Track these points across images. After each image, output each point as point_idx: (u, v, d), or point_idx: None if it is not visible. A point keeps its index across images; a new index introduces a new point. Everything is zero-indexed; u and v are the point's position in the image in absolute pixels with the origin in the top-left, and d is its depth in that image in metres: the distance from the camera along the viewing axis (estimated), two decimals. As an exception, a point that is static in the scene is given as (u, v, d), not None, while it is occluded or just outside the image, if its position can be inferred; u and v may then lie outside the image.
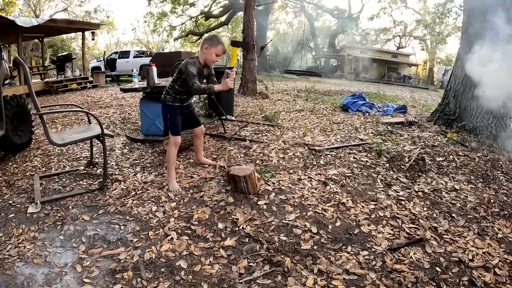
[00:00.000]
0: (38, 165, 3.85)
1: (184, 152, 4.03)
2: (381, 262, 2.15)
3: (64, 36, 26.34)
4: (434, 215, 2.74)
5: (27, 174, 3.60)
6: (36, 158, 4.12)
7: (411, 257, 2.20)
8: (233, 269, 2.07)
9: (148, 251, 2.21)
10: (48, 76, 14.35)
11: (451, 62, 29.80)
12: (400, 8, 32.16)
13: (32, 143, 4.69)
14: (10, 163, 3.95)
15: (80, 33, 14.91)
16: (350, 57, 29.05)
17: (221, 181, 3.20)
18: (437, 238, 2.44)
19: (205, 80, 3.35)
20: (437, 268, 2.12)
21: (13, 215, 2.69)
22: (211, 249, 2.26)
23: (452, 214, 2.75)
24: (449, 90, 5.52)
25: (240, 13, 22.61)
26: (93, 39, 16.72)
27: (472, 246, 2.36)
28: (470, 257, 2.23)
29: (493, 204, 2.96)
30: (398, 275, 2.04)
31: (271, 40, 26.58)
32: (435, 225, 2.59)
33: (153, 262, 2.12)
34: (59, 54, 17.30)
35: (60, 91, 11.76)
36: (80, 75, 14.45)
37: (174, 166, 3.23)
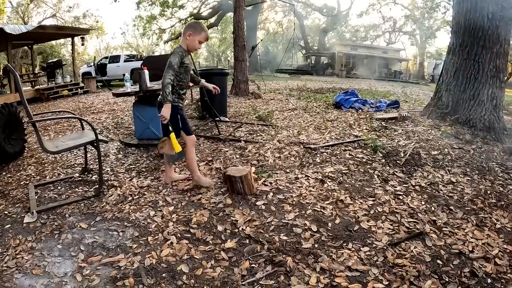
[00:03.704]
0: (32, 174, 3.80)
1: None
2: (383, 257, 2.15)
3: (53, 42, 26.13)
4: (432, 208, 2.76)
5: (22, 183, 3.55)
6: (30, 166, 4.07)
7: (412, 251, 2.21)
8: (235, 271, 2.05)
9: (148, 257, 2.19)
10: (39, 83, 14.18)
11: (441, 56, 30.10)
12: (389, 4, 32.42)
13: (25, 151, 4.64)
14: (4, 173, 3.89)
15: (70, 39, 14.73)
16: (341, 54, 29.20)
17: (218, 183, 3.19)
18: (437, 231, 2.45)
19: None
20: (438, 261, 2.13)
21: (9, 225, 2.65)
22: (212, 252, 2.24)
23: (450, 207, 2.77)
24: (441, 84, 5.55)
25: (229, 14, 22.59)
26: (82, 44, 16.62)
27: (471, 237, 2.38)
28: (470, 249, 2.25)
29: (490, 195, 2.98)
30: (400, 269, 2.04)
31: (261, 40, 26.58)
32: (434, 218, 2.61)
33: (154, 268, 2.10)
34: (49, 61, 17.12)
35: (51, 98, 11.64)
36: (71, 81, 14.30)
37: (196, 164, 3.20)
